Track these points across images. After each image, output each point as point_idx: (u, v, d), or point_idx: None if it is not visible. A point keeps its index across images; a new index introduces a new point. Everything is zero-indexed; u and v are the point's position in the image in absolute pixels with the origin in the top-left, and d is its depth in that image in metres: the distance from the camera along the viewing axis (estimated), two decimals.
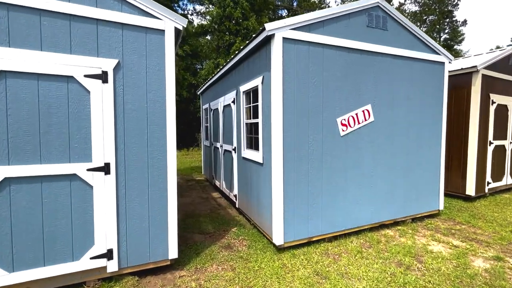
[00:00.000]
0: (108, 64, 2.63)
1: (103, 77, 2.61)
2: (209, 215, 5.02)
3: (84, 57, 2.53)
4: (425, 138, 4.51)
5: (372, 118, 3.95)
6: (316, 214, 3.62)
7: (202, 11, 24.67)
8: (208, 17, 21.58)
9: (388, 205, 4.21)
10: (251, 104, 4.20)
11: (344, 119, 3.74)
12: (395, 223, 4.40)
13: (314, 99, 3.51)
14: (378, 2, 3.83)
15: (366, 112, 3.90)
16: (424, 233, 4.13)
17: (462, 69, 5.59)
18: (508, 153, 6.46)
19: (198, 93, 8.66)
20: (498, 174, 6.26)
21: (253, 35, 3.49)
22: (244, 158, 4.51)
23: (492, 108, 5.84)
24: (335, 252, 3.47)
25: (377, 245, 3.70)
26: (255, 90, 4.03)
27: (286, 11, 27.98)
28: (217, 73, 5.76)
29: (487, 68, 5.62)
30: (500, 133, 6.17)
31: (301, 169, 3.49)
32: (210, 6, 20.98)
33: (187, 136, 18.01)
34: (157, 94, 2.88)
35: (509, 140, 6.44)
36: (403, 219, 4.42)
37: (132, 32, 2.73)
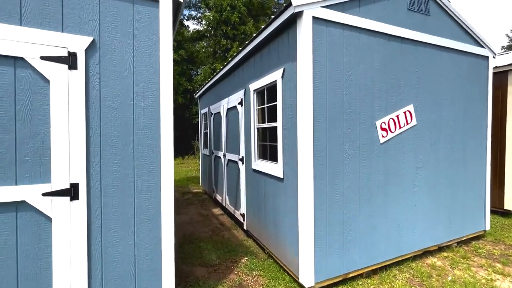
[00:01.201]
0: (77, 43, 1.84)
1: (69, 60, 1.82)
2: (211, 239, 4.18)
3: (41, 32, 1.75)
4: (471, 147, 3.80)
5: (414, 122, 3.22)
6: (352, 244, 2.83)
7: (198, 16, 24.18)
8: (204, 22, 21.03)
9: (432, 227, 3.45)
10: (266, 105, 3.44)
11: (384, 122, 3.00)
12: (440, 249, 3.63)
13: (349, 97, 2.77)
14: None
15: (408, 114, 3.17)
16: (479, 261, 3.36)
17: (496, 67, 4.97)
18: None
19: (196, 96, 7.89)
20: None
21: (272, 17, 2.76)
22: (255, 170, 3.72)
23: None
24: None
25: (428, 280, 2.92)
26: (271, 87, 3.28)
27: None
28: (220, 71, 5.01)
29: None
30: None
31: (335, 186, 2.72)
32: (207, 10, 20.45)
33: (182, 144, 17.13)
34: (148, 86, 2.09)
35: None
36: (448, 244, 3.65)
37: (114, 1, 1.97)
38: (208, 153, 6.67)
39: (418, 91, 3.25)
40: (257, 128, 3.69)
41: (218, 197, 5.77)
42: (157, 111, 2.13)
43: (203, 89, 6.77)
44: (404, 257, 3.24)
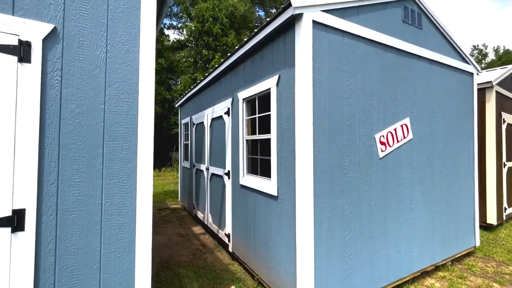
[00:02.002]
0: (32, 31, 1.46)
1: (20, 51, 1.43)
2: (192, 264, 3.71)
3: None
4: (461, 162, 3.78)
5: (410, 136, 3.11)
6: (353, 270, 2.56)
7: (179, 26, 23.90)
8: (185, 32, 20.77)
9: (429, 246, 3.30)
10: (257, 115, 3.16)
11: (383, 136, 2.84)
12: (436, 268, 3.48)
13: (349, 108, 2.58)
14: None
15: (404, 128, 3.06)
16: (476, 281, 3.24)
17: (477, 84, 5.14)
18: None
19: (177, 105, 7.46)
20: (510, 199, 5.78)
21: (268, 19, 2.53)
22: (243, 186, 3.39)
23: (504, 127, 5.44)
24: None
25: None
26: (264, 96, 3.02)
27: None
28: (204, 79, 4.70)
29: (498, 84, 5.25)
30: (510, 154, 5.76)
31: (336, 205, 2.46)
32: (189, 20, 20.25)
33: (160, 155, 16.30)
34: (124, 88, 1.73)
35: None
36: (443, 263, 3.52)
37: None
38: (188, 166, 6.21)
39: (414, 104, 3.16)
40: (246, 140, 3.39)
41: (200, 214, 5.30)
42: (134, 118, 1.76)
43: (185, 98, 6.39)
44: (403, 280, 3.02)
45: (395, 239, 2.92)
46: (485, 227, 5.18)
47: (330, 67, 2.44)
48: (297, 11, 2.22)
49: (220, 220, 4.20)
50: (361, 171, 2.65)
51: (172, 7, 22.32)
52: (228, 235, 3.84)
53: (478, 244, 4.05)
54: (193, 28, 18.32)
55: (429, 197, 3.30)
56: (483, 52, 43.63)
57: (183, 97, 6.59)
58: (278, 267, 2.63)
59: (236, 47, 3.23)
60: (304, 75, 2.27)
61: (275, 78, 2.66)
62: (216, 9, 17.80)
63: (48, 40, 1.51)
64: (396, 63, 2.99)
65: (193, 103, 5.94)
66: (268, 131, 2.92)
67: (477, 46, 44.27)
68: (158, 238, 4.79)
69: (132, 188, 1.75)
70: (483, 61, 42.35)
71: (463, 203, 3.79)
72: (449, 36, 3.59)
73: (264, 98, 3.08)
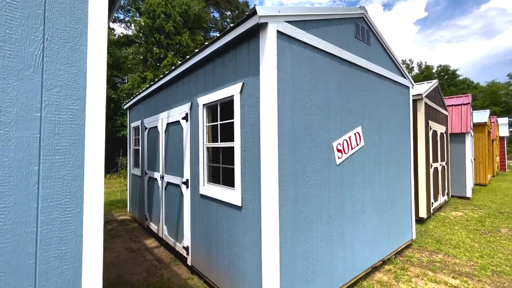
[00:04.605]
0: None
1: None
2: (146, 283, 3.39)
3: None
4: (402, 164, 4.26)
5: (362, 143, 3.37)
6: (315, 274, 2.64)
7: (126, 19, 22.11)
8: (133, 27, 19.30)
9: (377, 243, 3.61)
10: (219, 122, 3.05)
11: (340, 144, 3.01)
12: (383, 263, 3.83)
13: (311, 117, 2.66)
14: (363, 13, 3.42)
15: (357, 136, 3.29)
16: (415, 271, 3.66)
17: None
18: (439, 174, 7.12)
19: (125, 107, 6.82)
20: (435, 194, 6.75)
21: (231, 25, 2.46)
22: (203, 196, 3.23)
23: (430, 133, 6.33)
24: None
25: None
26: (227, 103, 2.93)
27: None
28: (159, 80, 4.38)
29: (426, 96, 6.10)
30: (434, 156, 6.74)
31: (300, 212, 2.51)
32: (137, 14, 18.88)
33: (105, 161, 14.72)
34: (67, 93, 1.47)
35: (440, 163, 7.13)
36: (389, 257, 3.89)
37: None
38: (139, 174, 5.71)
39: (364, 113, 3.44)
40: (207, 148, 3.25)
41: (153, 226, 4.91)
42: (80, 128, 1.51)
43: (136, 99, 5.87)
44: (357, 277, 3.24)
45: (350, 240, 3.12)
46: (418, 220, 5.93)
47: (293, 77, 2.48)
48: (262, 20, 2.20)
49: (177, 232, 3.94)
50: (321, 178, 2.76)
51: None
52: (186, 248, 3.61)
53: (414, 237, 4.61)
54: (143, 23, 17.12)
55: (378, 199, 3.63)
56: (410, 67, 50.65)
57: (133, 98, 6.05)
58: (243, 279, 2.56)
59: (196, 50, 3.08)
60: (269, 84, 2.26)
61: (238, 86, 2.60)
62: (169, 5, 16.97)
63: None
64: (350, 76, 3.21)
65: (145, 105, 5.50)
66: (230, 138, 2.84)
67: (405, 61, 51.21)
68: (105, 255, 4.27)
69: (77, 211, 1.49)
70: (410, 74, 49.07)
71: (403, 202, 4.27)
72: (391, 53, 4.02)
73: (226, 105, 2.99)
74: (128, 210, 6.94)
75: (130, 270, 3.76)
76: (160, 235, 4.53)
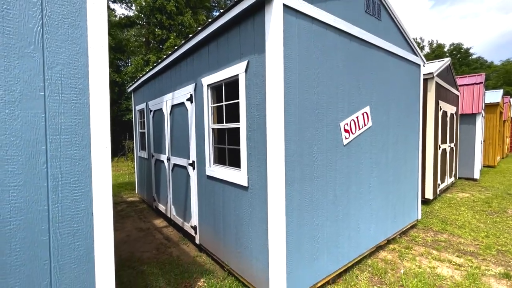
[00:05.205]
0: None
1: None
2: (156, 260, 3.52)
3: None
4: (410, 145, 4.19)
5: (370, 123, 3.30)
6: (321, 252, 2.69)
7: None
8: (134, 7, 18.76)
9: (383, 223, 3.64)
10: (224, 103, 3.00)
11: (347, 124, 2.96)
12: (388, 242, 3.88)
13: (318, 96, 2.60)
14: None
15: (365, 116, 3.22)
16: (419, 250, 3.70)
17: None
18: (447, 155, 7.03)
19: (129, 90, 6.78)
20: (442, 176, 6.69)
21: (235, 0, 2.35)
22: (210, 177, 3.26)
23: (440, 114, 6.17)
24: None
25: (386, 277, 3.02)
26: (232, 83, 2.87)
27: None
28: (162, 61, 4.30)
29: (437, 75, 5.88)
30: (443, 138, 6.61)
31: (304, 192, 2.51)
32: None
33: (112, 144, 14.93)
34: (69, 71, 1.44)
35: (448, 144, 7.01)
36: (393, 236, 3.93)
37: None
38: (146, 156, 5.78)
39: (373, 93, 3.34)
40: (213, 129, 3.23)
41: (161, 207, 5.03)
42: (84, 107, 1.49)
43: (139, 81, 5.82)
44: (362, 255, 3.30)
45: (356, 219, 3.14)
46: (423, 201, 5.94)
47: (300, 54, 2.39)
48: None
49: (185, 212, 4.03)
50: (328, 159, 2.74)
51: None
52: (194, 227, 3.71)
53: (420, 217, 4.62)
54: (144, 3, 16.62)
55: (384, 179, 3.61)
56: (420, 46, 48.66)
57: (137, 80, 5.99)
58: (250, 256, 2.63)
59: (199, 28, 2.98)
60: (275, 61, 2.18)
61: (243, 64, 2.53)
62: None
63: None
64: (359, 53, 3.09)
65: (149, 87, 5.45)
66: (236, 119, 2.81)
67: (416, 39, 49.14)
68: (116, 234, 4.43)
69: (86, 189, 1.51)
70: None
71: (410, 183, 4.25)
72: (403, 29, 3.83)
73: (231, 85, 2.93)
74: (136, 192, 7.11)
75: (140, 248, 3.90)
76: (168, 215, 4.65)
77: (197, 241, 3.69)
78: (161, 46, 18.05)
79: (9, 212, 1.29)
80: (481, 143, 9.73)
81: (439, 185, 6.32)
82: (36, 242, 1.38)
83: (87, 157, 1.51)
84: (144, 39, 20.08)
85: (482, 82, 8.97)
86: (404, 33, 3.88)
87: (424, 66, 4.50)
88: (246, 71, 2.52)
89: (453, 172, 7.73)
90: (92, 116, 1.51)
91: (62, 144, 1.43)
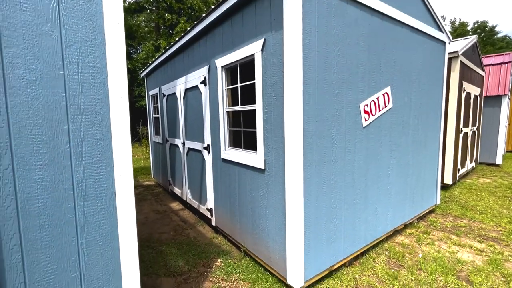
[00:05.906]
0: None
1: None
2: (174, 240, 3.63)
3: None
4: (431, 128, 4.01)
5: (391, 104, 3.16)
6: (338, 234, 2.67)
7: None
8: None
9: (400, 208, 3.57)
10: (239, 84, 2.94)
11: (367, 105, 2.84)
12: (405, 226, 3.82)
13: (337, 76, 2.48)
14: None
15: (386, 97, 3.08)
16: (438, 235, 3.63)
17: None
18: (469, 139, 6.73)
19: (142, 75, 6.79)
20: (463, 161, 6.45)
21: None
22: (225, 160, 3.26)
23: (463, 96, 5.85)
24: (366, 283, 2.60)
25: (403, 260, 2.99)
26: (247, 63, 2.78)
27: None
28: (174, 45, 4.23)
29: (462, 54, 5.53)
30: (465, 121, 6.31)
31: (323, 174, 2.47)
32: None
33: None
34: (87, 50, 1.42)
35: (470, 127, 6.70)
36: (411, 221, 3.86)
37: None
38: (160, 141, 5.85)
39: (395, 72, 3.17)
40: (227, 112, 3.19)
41: (177, 190, 5.13)
42: (103, 86, 1.48)
43: (152, 66, 5.80)
44: (379, 239, 3.27)
45: (373, 203, 3.09)
46: (442, 186, 5.77)
47: (319, 31, 2.27)
48: None
49: (200, 195, 4.09)
50: (346, 141, 2.66)
51: None
52: (210, 210, 3.77)
53: (438, 202, 4.51)
54: None
55: (404, 163, 3.50)
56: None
57: (149, 65, 5.97)
58: (266, 237, 2.65)
59: (213, 7, 2.87)
60: (294, 38, 2.08)
61: (259, 43, 2.43)
62: None
63: None
64: (381, 30, 2.91)
65: (162, 72, 5.42)
66: (252, 101, 2.75)
67: None
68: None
69: (108, 169, 1.52)
70: None
71: (429, 167, 4.11)
72: (428, 2, 3.57)
73: (247, 66, 2.85)
74: (152, 176, 7.28)
75: (158, 230, 4.03)
76: (184, 198, 4.74)
77: (213, 223, 3.75)
78: (171, 31, 17.88)
79: (36, 190, 1.32)
80: (506, 127, 9.25)
81: (459, 170, 6.11)
82: (64, 219, 1.42)
83: (108, 137, 1.51)
84: (154, 25, 19.90)
85: (510, 61, 8.39)
86: (429, 7, 3.62)
87: (449, 43, 4.22)
88: (262, 49, 2.43)
89: (474, 157, 7.44)
90: (111, 95, 1.49)
91: (83, 124, 1.43)
